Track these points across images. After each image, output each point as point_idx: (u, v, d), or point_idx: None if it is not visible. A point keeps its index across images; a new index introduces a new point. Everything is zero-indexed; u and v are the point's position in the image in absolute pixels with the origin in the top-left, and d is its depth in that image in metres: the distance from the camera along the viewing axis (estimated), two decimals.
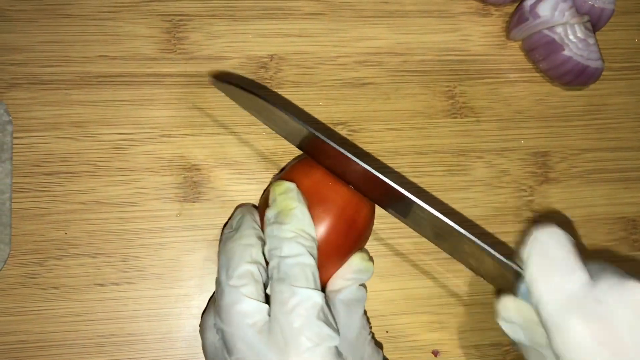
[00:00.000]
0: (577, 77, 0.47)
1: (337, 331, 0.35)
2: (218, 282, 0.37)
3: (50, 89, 0.44)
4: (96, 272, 0.43)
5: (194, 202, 0.44)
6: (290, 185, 0.38)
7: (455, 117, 0.48)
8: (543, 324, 0.32)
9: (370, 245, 0.45)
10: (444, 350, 0.45)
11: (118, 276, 0.43)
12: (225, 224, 0.42)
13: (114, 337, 0.42)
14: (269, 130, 0.45)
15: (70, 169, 0.43)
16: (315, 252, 0.36)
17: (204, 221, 0.44)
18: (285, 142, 0.45)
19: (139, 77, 0.45)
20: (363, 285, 0.40)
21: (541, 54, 0.47)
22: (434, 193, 0.47)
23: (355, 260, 0.40)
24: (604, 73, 0.50)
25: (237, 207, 0.44)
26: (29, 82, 0.44)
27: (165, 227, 0.44)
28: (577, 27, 0.45)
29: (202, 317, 0.40)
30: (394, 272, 0.45)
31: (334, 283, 0.40)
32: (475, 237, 0.34)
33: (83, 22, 0.45)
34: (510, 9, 0.50)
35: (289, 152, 0.45)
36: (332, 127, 0.46)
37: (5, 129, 0.43)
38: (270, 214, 0.38)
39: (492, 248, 0.34)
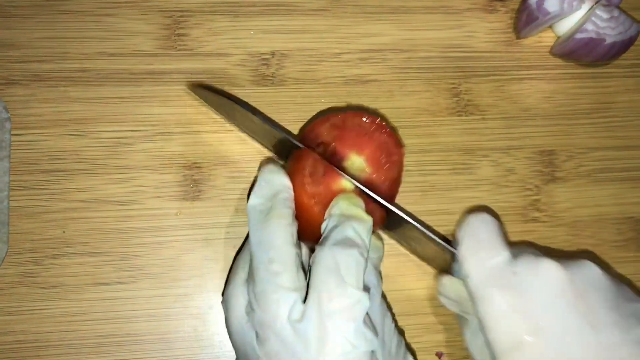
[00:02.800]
0: (626, 48, 0.47)
1: (377, 334, 0.34)
2: (256, 262, 0.35)
3: (49, 86, 0.44)
4: (94, 271, 0.42)
5: (194, 200, 0.43)
6: (358, 201, 0.38)
7: (460, 115, 0.47)
8: (470, 295, 0.37)
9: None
10: (448, 352, 0.44)
11: (116, 275, 0.42)
12: (251, 189, 0.39)
13: (112, 337, 0.42)
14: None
15: (69, 167, 0.43)
16: (366, 257, 0.35)
17: (204, 220, 0.43)
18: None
19: (138, 74, 0.44)
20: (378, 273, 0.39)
21: (584, 53, 0.47)
22: (439, 192, 0.46)
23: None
24: (611, 70, 0.49)
25: (262, 163, 0.42)
26: (27, 79, 0.43)
27: (165, 226, 0.43)
28: (598, 12, 0.45)
29: (226, 287, 0.38)
30: (397, 273, 0.44)
31: None
32: (419, 223, 0.39)
33: (81, 18, 0.45)
34: (515, 4, 0.49)
35: None
36: None
37: (4, 127, 0.43)
38: (335, 213, 0.37)
39: (432, 232, 0.39)
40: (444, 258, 0.40)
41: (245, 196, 0.44)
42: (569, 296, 0.35)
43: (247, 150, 0.44)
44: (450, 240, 0.39)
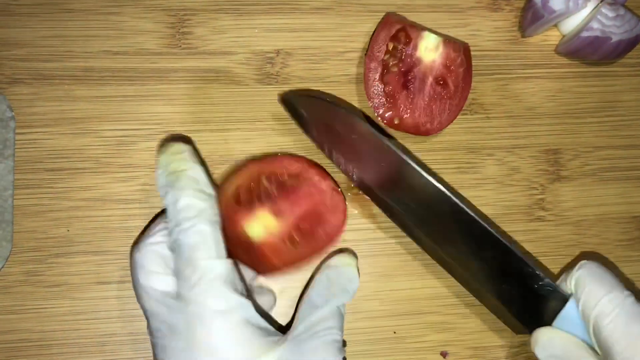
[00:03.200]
0: (632, 46, 0.46)
1: (247, 298, 0.34)
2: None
3: (53, 85, 0.43)
4: (98, 270, 0.42)
5: None
6: (182, 146, 0.38)
7: (465, 114, 0.47)
8: (604, 337, 0.34)
9: (377, 244, 0.44)
10: (453, 352, 0.44)
11: (120, 274, 0.42)
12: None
13: (116, 336, 0.42)
14: (274, 127, 0.45)
15: (73, 166, 0.43)
16: (214, 213, 0.35)
17: None
18: (292, 138, 0.45)
19: (142, 73, 0.44)
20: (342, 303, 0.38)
21: (589, 52, 0.46)
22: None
23: (336, 256, 0.40)
24: (617, 69, 0.49)
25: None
26: (31, 78, 0.43)
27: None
28: (603, 10, 0.44)
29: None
30: (401, 272, 0.44)
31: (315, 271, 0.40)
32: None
33: (86, 17, 0.44)
34: (520, 3, 0.49)
35: (294, 149, 0.45)
36: None
37: (8, 126, 0.43)
38: (160, 180, 0.37)
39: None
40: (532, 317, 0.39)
41: None
42: None
43: (251, 149, 0.44)
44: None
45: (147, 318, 0.37)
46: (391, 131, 0.46)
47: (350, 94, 0.46)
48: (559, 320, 0.38)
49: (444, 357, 0.44)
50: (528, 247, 0.46)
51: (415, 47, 0.45)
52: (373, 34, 0.45)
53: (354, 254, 0.40)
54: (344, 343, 0.37)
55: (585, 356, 0.36)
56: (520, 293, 0.39)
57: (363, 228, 0.45)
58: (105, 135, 0.43)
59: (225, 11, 0.46)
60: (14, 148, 0.42)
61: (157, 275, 0.35)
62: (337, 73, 0.46)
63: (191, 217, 0.35)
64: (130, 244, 0.42)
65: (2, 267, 0.41)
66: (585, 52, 0.47)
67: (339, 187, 0.42)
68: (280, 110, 0.45)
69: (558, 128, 0.48)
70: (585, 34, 0.45)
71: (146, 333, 0.38)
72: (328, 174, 0.43)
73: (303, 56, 0.46)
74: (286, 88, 0.45)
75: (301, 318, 0.36)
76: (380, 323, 0.44)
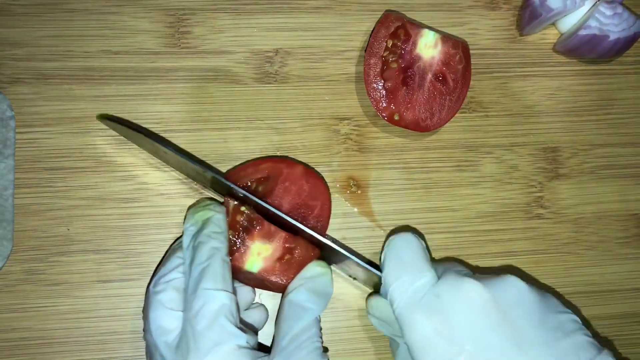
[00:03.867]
0: (629, 44, 0.46)
1: (243, 330, 0.35)
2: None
3: (53, 84, 0.44)
4: (99, 269, 0.42)
5: (197, 197, 0.44)
6: (211, 204, 0.40)
7: (464, 112, 0.47)
8: (396, 319, 0.36)
9: (377, 242, 0.44)
10: None
11: (121, 273, 0.42)
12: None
13: (117, 335, 0.42)
14: (274, 125, 0.45)
15: (73, 165, 0.43)
16: (225, 251, 0.37)
17: None
18: (290, 137, 0.45)
19: (142, 72, 0.45)
20: (316, 305, 0.39)
21: (587, 50, 0.47)
22: (442, 189, 0.46)
23: (309, 266, 0.40)
24: (614, 67, 0.49)
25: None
26: (31, 77, 0.44)
27: (169, 223, 0.43)
28: (601, 8, 0.44)
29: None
30: None
31: (289, 285, 0.40)
32: (348, 250, 0.39)
33: (85, 17, 0.45)
34: (518, 1, 0.49)
35: (293, 147, 0.45)
36: (338, 122, 0.46)
37: (9, 125, 0.43)
38: (187, 226, 0.39)
39: (360, 257, 0.39)
40: (373, 279, 0.40)
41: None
42: (492, 316, 0.34)
43: (251, 147, 0.45)
44: (377, 265, 0.40)
45: (149, 352, 0.37)
46: (391, 127, 0.46)
47: (349, 93, 0.46)
48: (383, 293, 0.39)
49: None
50: (527, 244, 0.46)
51: (414, 44, 0.45)
52: (372, 31, 0.45)
53: (327, 264, 0.40)
54: (326, 349, 0.39)
55: None
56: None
57: (363, 226, 0.45)
58: (105, 135, 0.43)
59: (224, 10, 0.46)
60: (15, 147, 0.43)
61: (170, 312, 0.36)
62: (336, 72, 0.46)
63: (207, 257, 0.37)
64: (130, 242, 0.43)
65: (3, 266, 0.41)
66: (583, 50, 0.47)
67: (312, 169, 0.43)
68: (280, 109, 0.45)
69: (556, 126, 0.48)
70: (583, 32, 0.45)
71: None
72: (297, 162, 0.43)
73: (302, 55, 0.46)
74: (285, 87, 0.46)
75: (284, 331, 0.37)
76: None
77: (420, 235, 0.44)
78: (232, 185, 0.39)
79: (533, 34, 0.49)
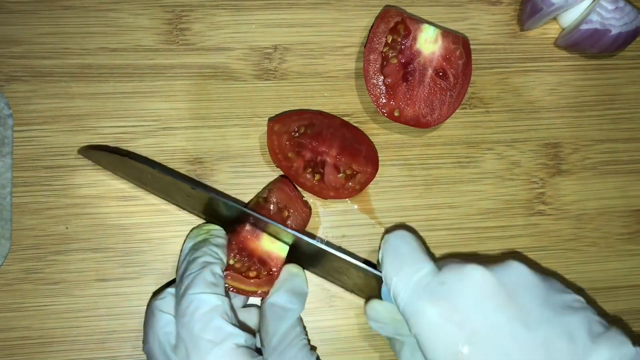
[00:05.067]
0: (631, 39, 0.46)
1: (241, 329, 0.36)
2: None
3: (51, 82, 0.43)
4: (97, 268, 0.42)
5: None
6: (212, 227, 0.41)
7: (465, 108, 0.47)
8: (401, 314, 0.36)
9: (377, 240, 0.44)
10: None
11: (120, 271, 0.42)
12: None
13: (116, 334, 0.42)
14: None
15: (71, 163, 0.43)
16: (219, 257, 0.38)
17: None
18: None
19: (140, 69, 0.44)
20: (297, 306, 0.40)
21: (589, 44, 0.46)
22: (443, 185, 0.45)
23: (283, 270, 0.41)
24: (616, 62, 0.49)
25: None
26: (29, 75, 0.43)
27: (168, 221, 0.43)
28: (602, 3, 0.44)
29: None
30: None
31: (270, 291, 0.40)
32: (342, 253, 0.39)
33: (83, 14, 0.44)
34: None
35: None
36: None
37: (6, 123, 0.42)
38: (186, 244, 0.40)
39: (355, 259, 0.39)
40: (371, 284, 0.40)
41: (248, 190, 0.44)
42: (498, 298, 0.34)
43: (249, 145, 0.44)
44: (374, 264, 0.40)
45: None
46: (391, 124, 0.45)
47: (349, 89, 0.46)
48: (383, 294, 0.39)
49: None
50: (528, 241, 0.46)
51: (414, 39, 0.44)
52: (372, 26, 0.45)
53: (300, 266, 0.41)
54: (314, 347, 0.41)
55: (404, 324, 0.37)
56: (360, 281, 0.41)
57: (363, 223, 0.44)
58: (103, 132, 0.43)
59: (223, 7, 0.46)
60: (12, 145, 0.42)
61: (167, 316, 0.37)
62: (336, 68, 0.46)
63: (200, 268, 0.38)
64: (129, 241, 0.42)
65: (1, 265, 0.41)
66: (585, 45, 0.46)
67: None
68: (279, 105, 0.45)
69: (558, 122, 0.48)
70: (584, 26, 0.45)
71: None
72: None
73: (301, 51, 0.46)
74: (284, 83, 0.45)
75: (272, 332, 0.38)
76: None
77: (413, 231, 0.44)
78: (234, 205, 0.40)
79: (534, 28, 0.48)
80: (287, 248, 0.41)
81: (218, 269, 0.38)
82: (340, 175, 0.43)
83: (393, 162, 0.45)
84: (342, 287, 0.44)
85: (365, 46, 0.44)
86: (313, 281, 0.43)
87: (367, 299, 0.41)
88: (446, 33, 0.44)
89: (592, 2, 0.45)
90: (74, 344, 0.41)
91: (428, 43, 0.44)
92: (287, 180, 0.43)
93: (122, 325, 0.42)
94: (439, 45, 0.44)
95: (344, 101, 0.46)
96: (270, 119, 0.43)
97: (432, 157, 0.46)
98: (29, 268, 0.41)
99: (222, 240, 0.40)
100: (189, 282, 0.36)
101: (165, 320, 0.37)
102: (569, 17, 0.47)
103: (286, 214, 0.42)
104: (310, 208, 0.43)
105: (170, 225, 0.43)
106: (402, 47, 0.44)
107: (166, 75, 0.44)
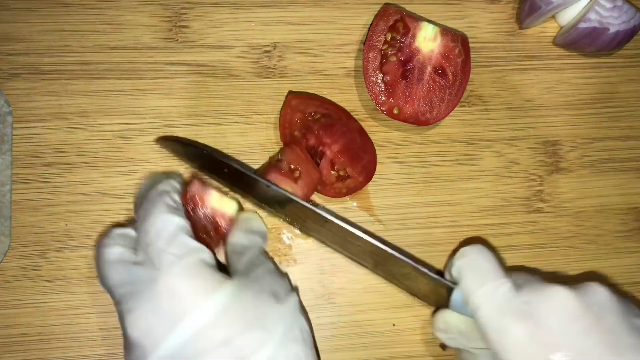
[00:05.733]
0: (629, 37, 0.46)
1: (204, 245, 0.36)
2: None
3: (50, 79, 0.43)
4: None
5: None
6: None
7: (463, 106, 0.47)
8: (481, 328, 0.36)
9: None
10: None
11: None
12: None
13: (115, 330, 0.41)
14: (272, 120, 0.45)
15: (71, 160, 0.43)
16: (178, 190, 0.39)
17: None
18: None
19: (139, 67, 0.44)
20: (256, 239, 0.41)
21: (587, 42, 0.46)
22: (442, 183, 0.46)
23: (237, 216, 0.42)
24: (615, 60, 0.49)
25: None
26: (28, 72, 0.43)
27: None
28: (601, 1, 0.44)
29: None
30: None
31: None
32: (411, 259, 0.39)
33: (83, 11, 0.44)
34: None
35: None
36: None
37: (6, 120, 0.42)
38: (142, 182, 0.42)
39: (426, 268, 0.39)
40: (439, 293, 0.40)
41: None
42: (585, 321, 0.34)
43: (249, 142, 0.44)
44: (442, 273, 0.40)
45: (113, 295, 0.37)
46: (391, 121, 0.46)
47: (348, 87, 0.46)
48: (452, 304, 0.39)
49: (443, 349, 0.44)
50: (527, 238, 0.46)
51: (413, 37, 0.44)
52: (371, 24, 0.45)
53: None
54: (295, 287, 0.42)
55: (478, 337, 0.37)
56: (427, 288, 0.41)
57: (362, 221, 0.45)
58: (102, 130, 0.43)
59: (222, 5, 0.46)
60: (12, 143, 0.42)
61: (122, 249, 0.37)
62: (335, 66, 0.46)
63: (159, 194, 0.38)
64: None
65: (1, 262, 0.41)
66: (583, 43, 0.46)
67: None
68: (278, 103, 0.45)
69: (556, 120, 0.48)
70: (582, 25, 0.45)
71: None
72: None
73: (300, 49, 0.46)
74: (284, 81, 0.45)
75: (236, 259, 0.39)
76: (380, 315, 0.44)
77: (489, 246, 0.43)
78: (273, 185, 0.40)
79: (533, 27, 0.49)
80: (235, 205, 0.41)
81: (177, 198, 0.38)
82: (333, 172, 0.43)
83: (392, 160, 0.45)
84: (404, 289, 0.43)
85: (364, 44, 0.45)
86: (314, 279, 0.44)
87: (434, 309, 0.41)
88: (445, 31, 0.44)
89: (590, 0, 0.45)
90: (74, 341, 0.41)
91: (427, 41, 0.44)
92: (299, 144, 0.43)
93: None
94: (438, 43, 0.44)
95: (343, 99, 0.46)
96: (291, 92, 0.44)
97: (431, 154, 0.46)
98: (28, 265, 0.42)
99: (178, 185, 0.40)
100: (151, 205, 0.37)
101: (119, 250, 0.36)
102: (568, 16, 0.47)
103: (297, 174, 0.42)
104: (320, 172, 0.43)
105: None
106: (401, 45, 0.44)
107: (165, 73, 0.45)
